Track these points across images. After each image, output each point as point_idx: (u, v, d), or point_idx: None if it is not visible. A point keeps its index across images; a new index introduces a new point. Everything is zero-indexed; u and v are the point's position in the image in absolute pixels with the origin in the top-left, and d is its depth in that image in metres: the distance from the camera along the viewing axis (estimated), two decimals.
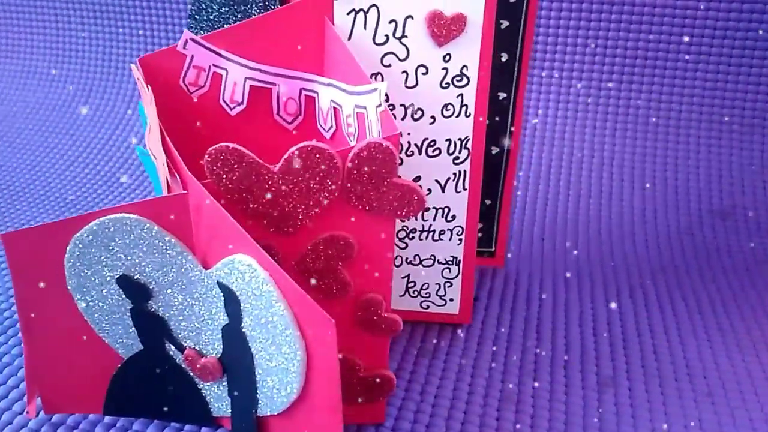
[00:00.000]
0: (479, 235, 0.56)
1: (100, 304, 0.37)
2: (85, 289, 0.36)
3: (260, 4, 0.44)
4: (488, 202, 0.54)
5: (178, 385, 0.39)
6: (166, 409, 0.40)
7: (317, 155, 0.31)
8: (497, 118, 0.51)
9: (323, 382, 0.31)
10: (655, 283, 0.55)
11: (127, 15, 0.88)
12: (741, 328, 0.49)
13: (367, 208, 0.33)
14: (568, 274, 0.56)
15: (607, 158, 0.70)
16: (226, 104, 0.41)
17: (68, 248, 0.35)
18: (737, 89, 0.68)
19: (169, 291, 0.36)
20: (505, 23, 0.47)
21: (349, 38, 0.39)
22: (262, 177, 0.32)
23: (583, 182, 0.68)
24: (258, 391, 0.35)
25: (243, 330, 0.34)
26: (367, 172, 0.32)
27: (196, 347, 0.37)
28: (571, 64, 0.72)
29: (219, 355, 0.36)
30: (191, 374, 0.38)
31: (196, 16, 0.48)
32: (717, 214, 0.63)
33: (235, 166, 0.32)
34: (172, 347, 0.38)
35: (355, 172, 0.32)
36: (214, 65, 0.40)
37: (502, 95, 0.50)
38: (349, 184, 0.32)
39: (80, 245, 0.35)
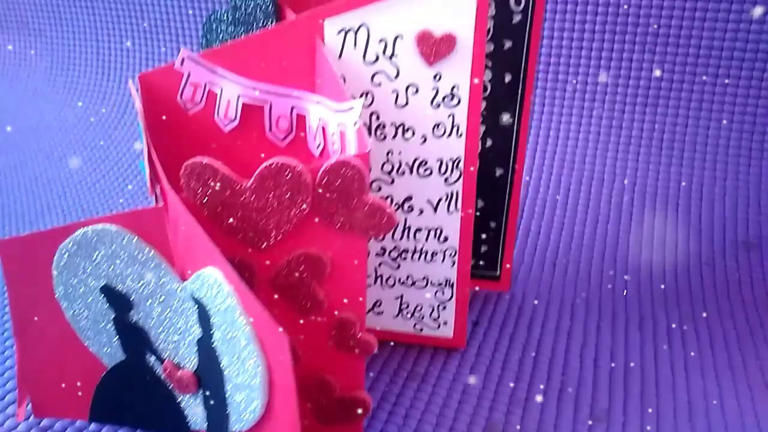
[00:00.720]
0: (481, 259, 0.55)
1: (86, 312, 0.38)
2: (71, 298, 0.37)
3: (261, 22, 0.45)
4: (493, 224, 0.53)
5: (158, 397, 0.39)
6: (147, 419, 0.40)
7: (286, 171, 0.31)
8: (501, 140, 0.50)
9: (282, 398, 0.30)
10: (668, 314, 0.52)
11: (164, 34, 0.92)
12: (753, 366, 0.46)
13: (337, 225, 0.33)
14: (576, 302, 0.54)
15: (629, 183, 0.67)
16: (221, 121, 0.41)
17: (55, 257, 0.36)
18: None
19: (149, 302, 0.36)
20: (508, 43, 0.47)
21: (340, 57, 0.40)
22: (236, 192, 0.32)
23: (602, 207, 0.66)
24: (229, 407, 0.35)
25: (214, 344, 0.34)
26: (336, 190, 0.32)
27: (175, 359, 0.37)
28: (593, 86, 0.71)
29: (195, 369, 0.36)
30: (170, 386, 0.38)
31: (207, 36, 0.50)
32: (741, 245, 0.60)
33: (210, 181, 0.32)
34: (153, 358, 0.38)
35: (323, 189, 0.32)
36: (209, 82, 0.41)
37: (506, 116, 0.49)
38: (318, 201, 0.32)
39: (66, 254, 0.36)
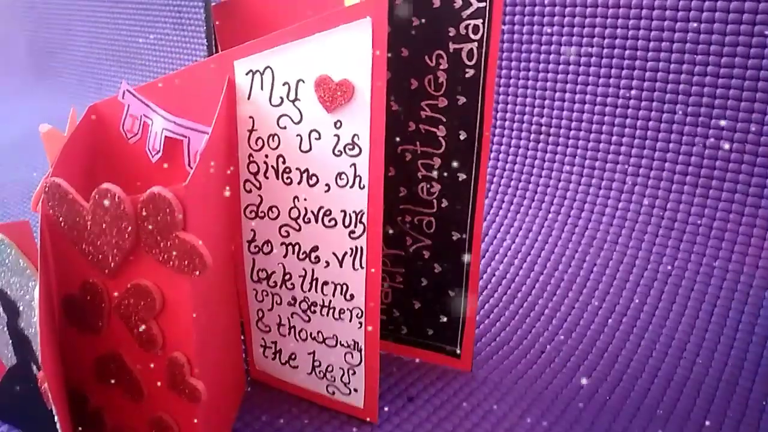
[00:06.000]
0: (439, 330, 0.50)
1: None
2: None
3: None
4: (452, 293, 0.48)
5: (39, 404, 0.41)
6: (34, 425, 0.42)
7: (110, 197, 0.32)
8: (457, 201, 0.46)
9: None
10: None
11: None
12: None
13: (159, 258, 0.32)
14: (538, 400, 0.47)
15: (650, 260, 0.57)
16: (149, 151, 0.43)
17: None
18: None
19: (29, 312, 0.38)
20: (462, 99, 0.43)
21: (249, 97, 0.40)
22: (80, 215, 0.33)
23: (614, 292, 0.57)
24: None
25: None
26: (152, 222, 0.31)
27: None
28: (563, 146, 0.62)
29: None
30: None
31: None
32: None
33: (61, 201, 0.34)
34: (35, 367, 0.40)
35: (143, 219, 0.32)
36: (144, 115, 0.43)
37: (461, 176, 0.45)
38: (142, 232, 0.32)
39: None
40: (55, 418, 0.32)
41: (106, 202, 0.32)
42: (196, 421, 0.35)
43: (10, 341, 0.41)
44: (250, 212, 0.42)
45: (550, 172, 0.65)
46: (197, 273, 0.31)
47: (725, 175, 0.56)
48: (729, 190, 0.56)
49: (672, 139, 0.58)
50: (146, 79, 1.07)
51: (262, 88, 0.39)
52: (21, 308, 0.38)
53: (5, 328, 0.40)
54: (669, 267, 0.57)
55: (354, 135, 0.38)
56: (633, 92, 0.59)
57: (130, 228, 0.32)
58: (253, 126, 0.40)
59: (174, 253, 0.31)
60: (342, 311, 0.42)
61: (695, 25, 0.55)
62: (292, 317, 0.44)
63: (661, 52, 0.58)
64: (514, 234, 0.65)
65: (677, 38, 0.55)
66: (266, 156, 0.40)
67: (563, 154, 0.63)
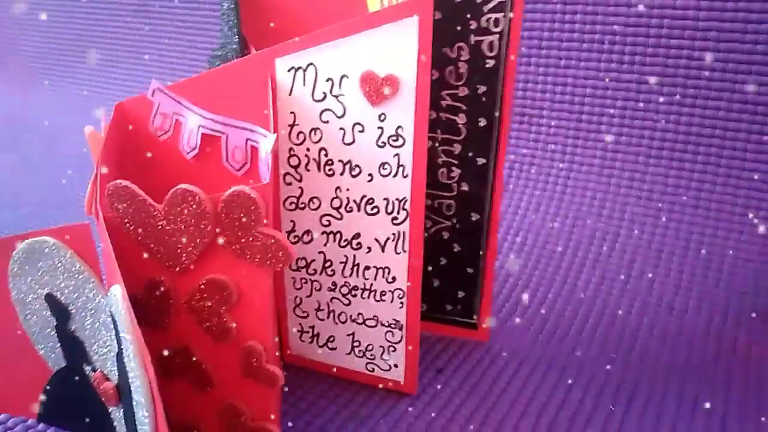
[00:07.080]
0: (458, 305, 0.53)
1: (34, 318, 0.41)
2: (23, 303, 0.40)
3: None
4: (470, 270, 0.52)
5: (94, 406, 0.41)
6: (86, 427, 0.42)
7: (189, 198, 0.33)
8: (476, 185, 0.49)
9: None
10: (653, 383, 0.48)
11: None
12: None
13: (240, 254, 0.33)
14: (555, 362, 0.51)
15: (648, 234, 0.63)
16: (183, 149, 0.44)
17: (9, 264, 0.39)
18: None
19: (83, 314, 0.38)
20: (482, 88, 0.46)
21: (291, 93, 0.41)
22: (151, 215, 0.34)
23: (613, 262, 0.62)
24: (137, 422, 0.36)
25: (125, 359, 0.35)
26: (235, 219, 0.32)
27: (103, 371, 0.39)
28: (576, 131, 0.67)
29: (116, 382, 0.38)
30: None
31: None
32: (759, 316, 0.54)
33: (128, 202, 0.34)
34: (89, 368, 0.40)
35: (224, 217, 0.33)
36: (176, 113, 0.43)
37: (480, 161, 0.48)
38: (223, 229, 0.33)
39: (18, 262, 0.39)
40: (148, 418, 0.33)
41: (185, 203, 0.33)
42: (270, 403, 0.37)
43: (59, 344, 0.41)
44: (290, 204, 0.44)
45: (558, 155, 0.69)
46: (280, 266, 0.33)
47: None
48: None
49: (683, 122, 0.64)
50: (104, 72, 1.04)
51: (304, 84, 0.40)
52: (72, 311, 0.39)
53: (53, 332, 0.40)
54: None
55: (398, 127, 0.40)
56: (646, 78, 0.64)
57: (210, 227, 0.33)
58: (294, 121, 0.41)
59: (257, 247, 0.33)
60: (383, 293, 0.44)
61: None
62: (331, 302, 0.46)
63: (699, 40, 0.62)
64: (522, 213, 0.69)
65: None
66: (308, 149, 0.42)
67: (576, 138, 0.68)
